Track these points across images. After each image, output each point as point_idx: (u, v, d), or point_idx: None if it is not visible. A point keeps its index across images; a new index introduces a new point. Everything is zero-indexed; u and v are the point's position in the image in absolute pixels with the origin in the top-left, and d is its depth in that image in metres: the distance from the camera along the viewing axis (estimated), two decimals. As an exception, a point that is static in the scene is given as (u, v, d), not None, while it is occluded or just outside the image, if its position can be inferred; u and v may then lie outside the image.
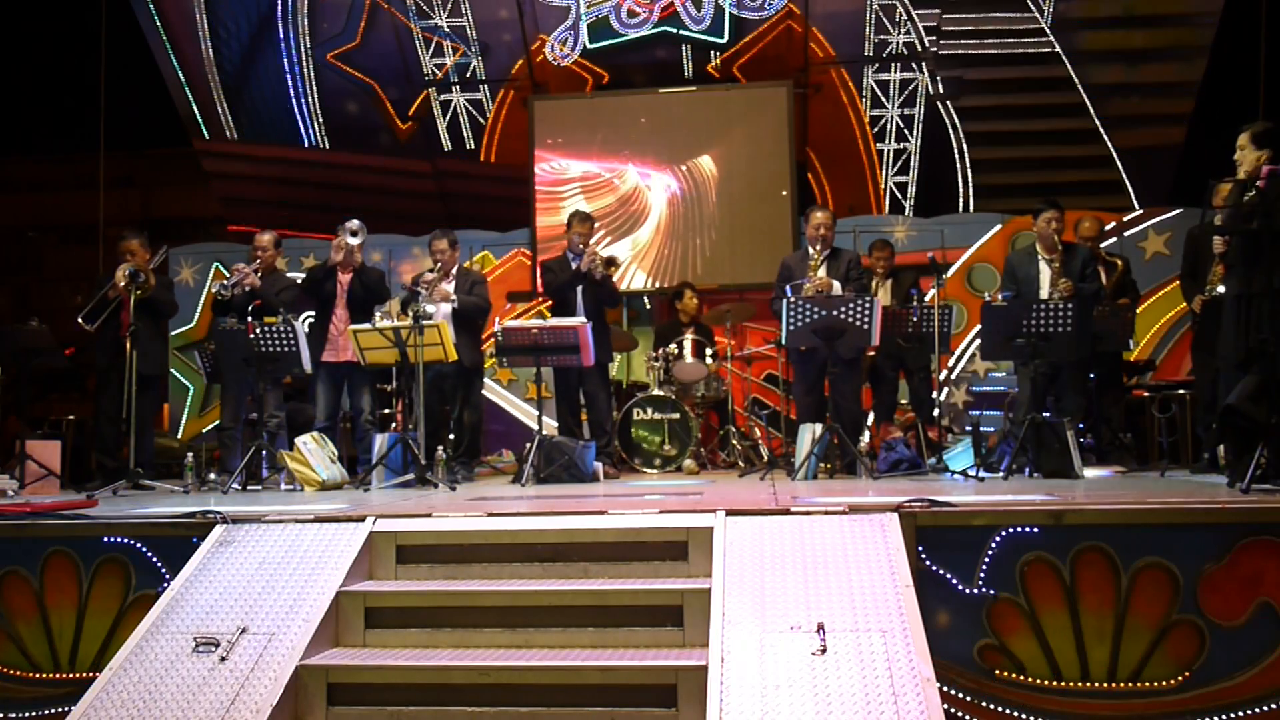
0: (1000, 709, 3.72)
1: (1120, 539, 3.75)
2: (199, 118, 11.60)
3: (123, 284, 6.71)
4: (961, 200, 10.96)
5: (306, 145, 11.67)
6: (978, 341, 8.43)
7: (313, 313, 7.60)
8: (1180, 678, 3.66)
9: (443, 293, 6.90)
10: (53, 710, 4.20)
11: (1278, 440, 4.52)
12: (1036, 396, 6.10)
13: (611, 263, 7.08)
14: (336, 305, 6.98)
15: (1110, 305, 7.13)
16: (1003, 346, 6.02)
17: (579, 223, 7.31)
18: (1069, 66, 10.59)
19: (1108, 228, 9.69)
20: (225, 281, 7.00)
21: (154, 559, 4.27)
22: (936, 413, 7.42)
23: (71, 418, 8.93)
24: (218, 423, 7.45)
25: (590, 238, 7.30)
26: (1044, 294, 6.35)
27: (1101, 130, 10.62)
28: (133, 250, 6.93)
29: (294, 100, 11.59)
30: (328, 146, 11.66)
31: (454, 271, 7.15)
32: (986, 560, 3.80)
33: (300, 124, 11.63)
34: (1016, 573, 3.78)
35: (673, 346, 8.04)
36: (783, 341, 6.52)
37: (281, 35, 11.46)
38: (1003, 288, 6.74)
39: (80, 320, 6.79)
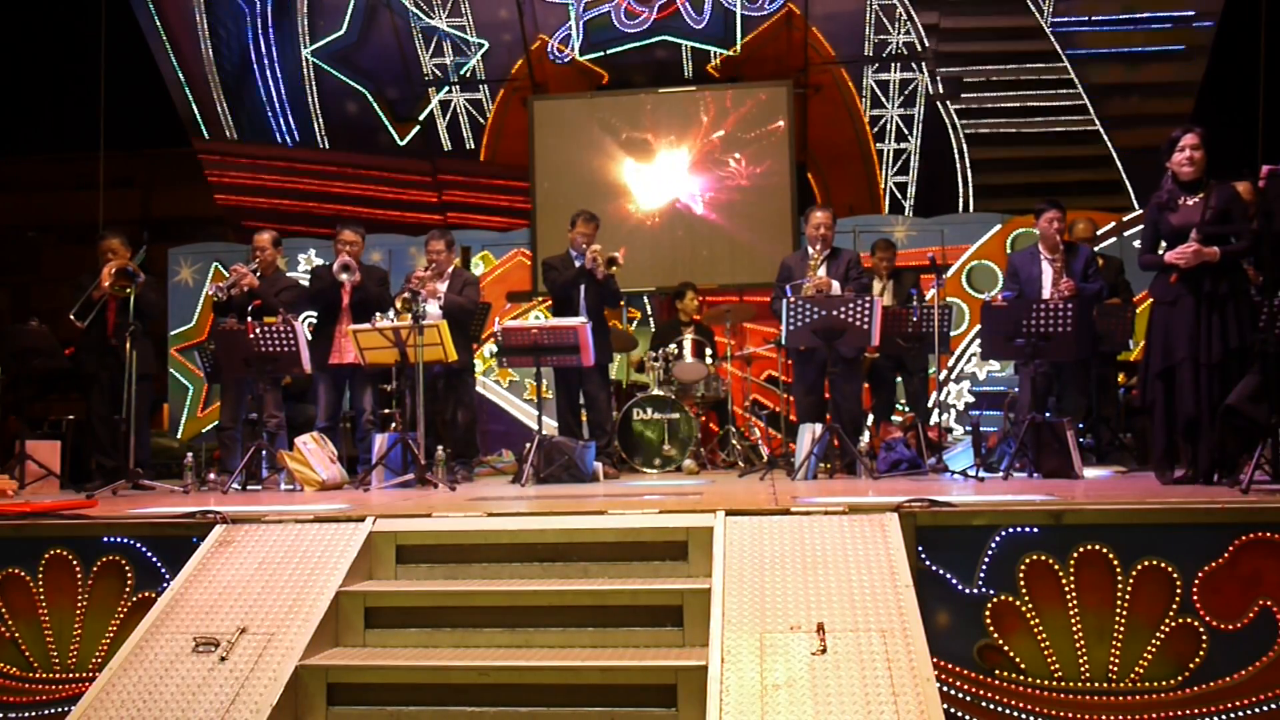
0: (999, 709, 3.72)
1: (1120, 539, 3.75)
2: (199, 118, 11.61)
3: (107, 283, 6.70)
4: (961, 200, 10.98)
5: (306, 145, 11.67)
6: (978, 341, 8.44)
7: (313, 313, 7.61)
8: (1180, 678, 3.66)
9: (432, 289, 6.91)
10: (52, 711, 4.20)
11: (1278, 440, 4.52)
12: (1037, 397, 6.10)
13: (613, 262, 7.09)
14: (342, 318, 6.98)
15: (1100, 305, 7.13)
16: (1003, 346, 6.01)
17: (583, 222, 7.31)
18: (1069, 66, 10.60)
19: (1107, 228, 9.72)
20: (221, 284, 6.99)
21: (154, 559, 4.27)
22: (936, 412, 7.43)
23: (71, 418, 8.92)
24: (217, 423, 7.45)
25: (594, 238, 7.30)
26: (1046, 294, 6.34)
27: (1101, 130, 10.63)
28: (114, 249, 6.93)
29: (294, 100, 11.59)
30: (327, 146, 11.68)
31: (448, 272, 7.16)
32: (986, 560, 3.80)
33: (300, 124, 11.64)
34: (1016, 573, 3.78)
35: (672, 347, 8.04)
36: (783, 341, 6.52)
37: (282, 35, 11.47)
38: (1005, 287, 6.75)
39: (72, 317, 6.76)
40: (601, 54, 11.22)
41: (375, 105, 11.61)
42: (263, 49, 11.52)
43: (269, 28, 11.46)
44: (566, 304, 7.28)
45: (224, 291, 6.91)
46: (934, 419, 7.53)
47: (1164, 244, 5.14)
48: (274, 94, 11.61)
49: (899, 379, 8.02)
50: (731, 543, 3.89)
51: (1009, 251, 9.53)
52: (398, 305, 6.65)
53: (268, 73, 11.57)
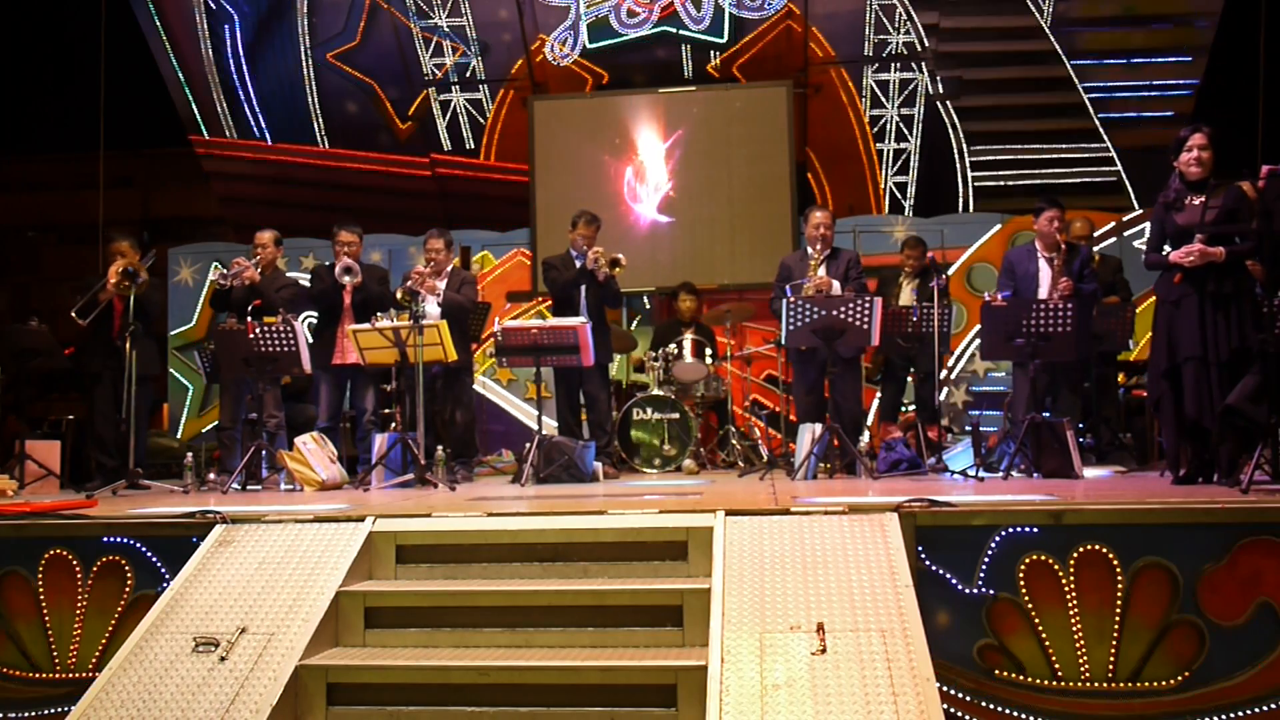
0: (1000, 709, 3.72)
1: (1120, 539, 3.75)
2: (198, 117, 11.61)
3: (113, 281, 6.71)
4: (961, 200, 10.97)
5: (306, 144, 11.67)
6: (977, 341, 8.43)
7: (313, 313, 7.61)
8: (1180, 678, 3.66)
9: (430, 286, 6.91)
10: (52, 710, 4.20)
11: (1277, 440, 4.53)
12: (1036, 396, 6.10)
13: (616, 263, 7.09)
14: (344, 317, 6.99)
15: (1100, 303, 7.13)
16: (1002, 346, 6.01)
17: (585, 224, 7.31)
18: (1069, 66, 10.60)
19: (1107, 227, 9.72)
20: (226, 270, 7.03)
21: (154, 559, 4.27)
22: (939, 412, 7.41)
23: (71, 418, 8.92)
24: (217, 423, 7.45)
25: (595, 239, 7.30)
26: (1043, 293, 6.33)
27: (1101, 130, 10.63)
28: (123, 251, 6.94)
29: (293, 100, 11.59)
30: (327, 146, 11.68)
31: (446, 270, 7.16)
32: (986, 560, 3.80)
33: (300, 123, 11.64)
34: (1016, 573, 3.78)
35: (672, 346, 8.03)
36: (782, 341, 6.52)
37: (282, 34, 11.48)
38: (1000, 285, 6.72)
39: (74, 315, 6.78)
40: (601, 54, 11.22)
41: (375, 105, 11.61)
42: (262, 48, 11.52)
43: (269, 26, 11.46)
44: (567, 304, 7.27)
45: (228, 279, 6.94)
46: (942, 419, 7.50)
47: (1169, 243, 5.14)
48: (274, 93, 11.61)
49: (909, 379, 7.98)
50: (731, 543, 3.89)
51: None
52: (398, 297, 6.65)
53: (267, 72, 11.56)
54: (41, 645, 4.30)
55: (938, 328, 6.94)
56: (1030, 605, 3.76)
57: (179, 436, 10.45)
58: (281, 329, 6.35)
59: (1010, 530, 3.81)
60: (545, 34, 11.20)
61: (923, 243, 8.04)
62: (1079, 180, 10.65)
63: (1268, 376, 4.65)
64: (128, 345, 6.53)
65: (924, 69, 10.92)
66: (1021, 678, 3.73)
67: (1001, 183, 10.88)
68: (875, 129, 11.13)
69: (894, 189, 11.18)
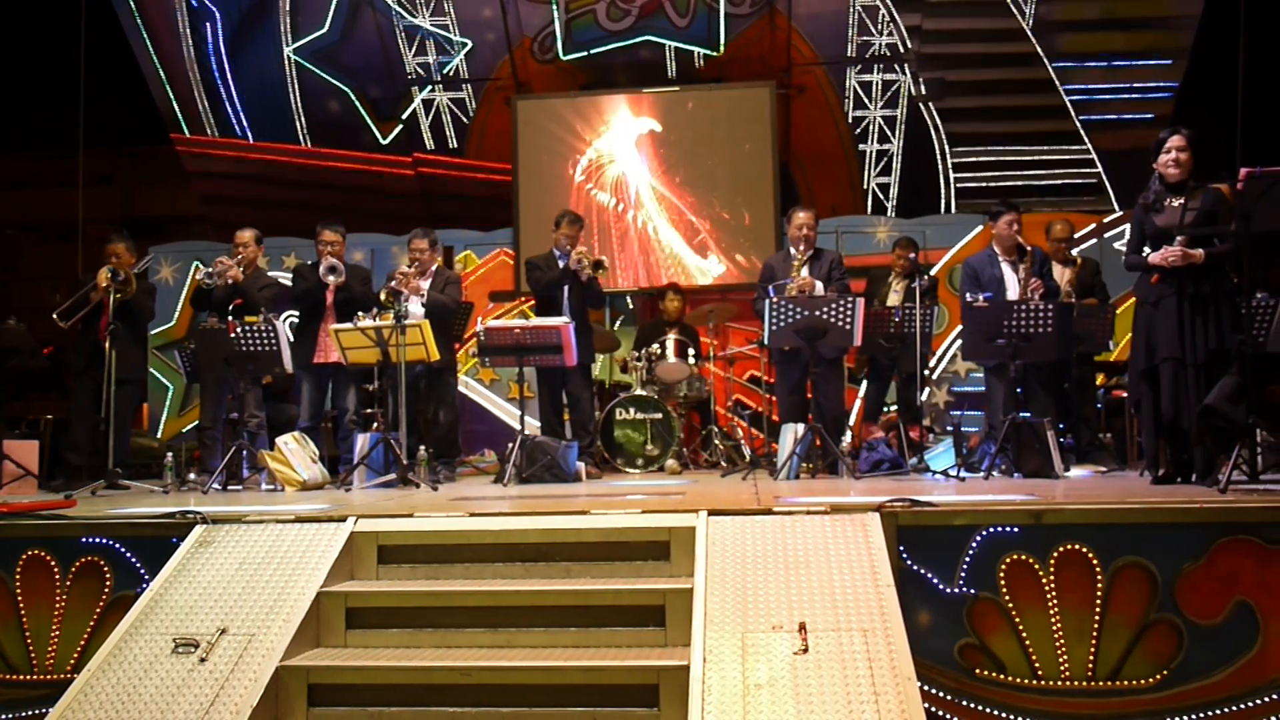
0: (980, 708, 3.74)
1: (1100, 538, 3.77)
2: (179, 115, 11.54)
3: (104, 284, 6.67)
4: (943, 201, 11.01)
5: (288, 143, 11.62)
6: (959, 342, 8.46)
7: (294, 312, 7.58)
8: (1158, 676, 3.69)
9: (415, 286, 6.89)
10: (30, 712, 4.17)
11: (1255, 441, 4.57)
12: (1016, 397, 6.13)
13: (600, 265, 7.09)
14: (326, 317, 6.96)
15: (1079, 305, 7.16)
16: (984, 347, 6.03)
17: (569, 223, 7.31)
18: (1050, 69, 10.65)
19: (1087, 229, 9.78)
20: (210, 269, 6.99)
21: (133, 559, 4.25)
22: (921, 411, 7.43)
23: (50, 417, 8.84)
24: (197, 422, 7.41)
25: (578, 239, 7.30)
26: (1011, 296, 6.36)
27: (1082, 132, 10.69)
28: (118, 254, 6.91)
29: (276, 98, 11.54)
30: (310, 145, 11.63)
31: (431, 270, 7.14)
32: (967, 560, 3.82)
33: (282, 122, 11.58)
34: (997, 572, 3.80)
35: (655, 346, 8.04)
36: (765, 341, 6.53)
37: (263, 33, 11.42)
38: (966, 290, 6.70)
39: (55, 316, 6.74)
40: (585, 54, 11.21)
41: (358, 104, 11.57)
42: (244, 46, 11.46)
43: (251, 25, 11.40)
44: (550, 304, 7.27)
45: (212, 279, 6.90)
46: (924, 419, 7.52)
47: (1148, 245, 5.18)
48: (255, 92, 11.55)
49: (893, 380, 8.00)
50: (714, 542, 3.89)
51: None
52: (382, 297, 6.63)
53: (249, 70, 11.50)
54: (19, 646, 4.27)
55: (919, 328, 6.96)
56: (1011, 605, 3.78)
57: (159, 436, 10.39)
58: (263, 328, 6.32)
59: (991, 530, 3.83)
60: (529, 33, 11.18)
61: (914, 242, 8.06)
62: (1060, 182, 10.71)
63: (1246, 377, 4.69)
64: (107, 345, 6.49)
65: (906, 70, 10.96)
66: (1002, 677, 3.75)
67: (983, 184, 10.92)
68: (858, 130, 11.16)
69: (877, 190, 11.21)
